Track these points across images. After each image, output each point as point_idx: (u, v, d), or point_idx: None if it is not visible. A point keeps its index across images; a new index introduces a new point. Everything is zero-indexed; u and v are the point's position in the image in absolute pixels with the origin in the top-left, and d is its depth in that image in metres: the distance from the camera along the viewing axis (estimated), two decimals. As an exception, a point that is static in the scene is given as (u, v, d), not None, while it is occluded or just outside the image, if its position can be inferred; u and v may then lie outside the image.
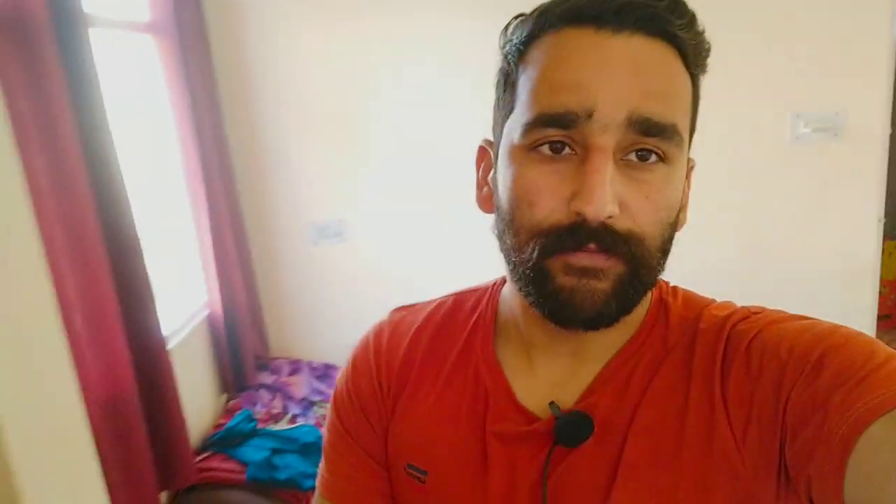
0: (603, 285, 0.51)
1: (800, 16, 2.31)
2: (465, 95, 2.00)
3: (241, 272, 2.32)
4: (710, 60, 0.55)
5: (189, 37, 2.06)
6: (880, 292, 2.60)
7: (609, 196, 0.49)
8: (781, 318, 0.54)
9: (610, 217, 0.49)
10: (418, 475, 0.61)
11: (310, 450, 2.00)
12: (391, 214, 2.51)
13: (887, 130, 2.39)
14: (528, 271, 0.53)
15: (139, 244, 1.61)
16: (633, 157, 0.50)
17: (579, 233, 0.50)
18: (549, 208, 0.50)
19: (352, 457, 0.67)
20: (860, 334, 0.50)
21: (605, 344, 0.58)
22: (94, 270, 1.43)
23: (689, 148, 0.56)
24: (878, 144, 2.40)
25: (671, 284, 0.62)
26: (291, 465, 1.92)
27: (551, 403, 0.56)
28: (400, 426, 0.64)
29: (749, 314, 0.56)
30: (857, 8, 2.29)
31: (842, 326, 0.51)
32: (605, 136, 0.49)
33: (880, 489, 0.40)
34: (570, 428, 0.55)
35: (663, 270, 0.55)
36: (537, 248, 0.51)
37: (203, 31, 2.22)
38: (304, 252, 2.54)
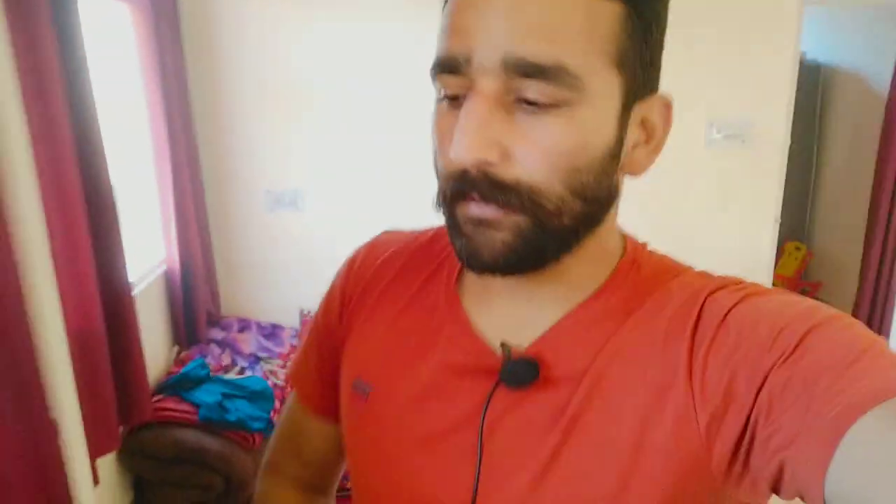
0: (501, 235, 0.49)
1: (715, 34, 2.61)
2: (422, 67, 2.18)
3: (199, 233, 2.47)
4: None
5: (162, 8, 2.20)
6: (774, 285, 2.94)
7: (477, 141, 0.47)
8: (761, 292, 0.52)
9: (489, 164, 0.48)
10: (363, 389, 0.62)
11: (258, 397, 2.17)
12: (345, 185, 2.70)
13: (787, 139, 2.72)
14: (445, 217, 0.53)
15: (113, 193, 1.76)
16: (523, 101, 0.48)
17: (463, 181, 0.49)
18: (447, 156, 0.50)
19: (312, 344, 0.71)
20: (842, 315, 0.48)
21: (562, 295, 0.56)
22: (72, 212, 1.58)
23: (647, 84, 0.52)
24: (778, 151, 2.72)
25: (649, 247, 0.60)
26: (241, 409, 2.08)
27: (502, 343, 0.55)
28: (355, 341, 0.65)
29: (727, 283, 0.54)
30: (767, 29, 2.61)
31: (823, 305, 0.49)
32: (484, 80, 0.47)
33: (871, 481, 0.39)
34: (515, 369, 0.54)
35: (596, 217, 0.53)
36: (445, 195, 0.52)
37: (175, 4, 2.36)
38: (259, 218, 2.70)
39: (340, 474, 0.77)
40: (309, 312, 2.78)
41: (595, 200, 0.51)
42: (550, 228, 0.50)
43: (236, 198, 2.69)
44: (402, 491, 0.58)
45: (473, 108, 0.47)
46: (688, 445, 0.49)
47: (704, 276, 0.56)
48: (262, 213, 2.70)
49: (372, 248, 0.70)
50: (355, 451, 0.63)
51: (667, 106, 0.55)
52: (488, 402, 0.55)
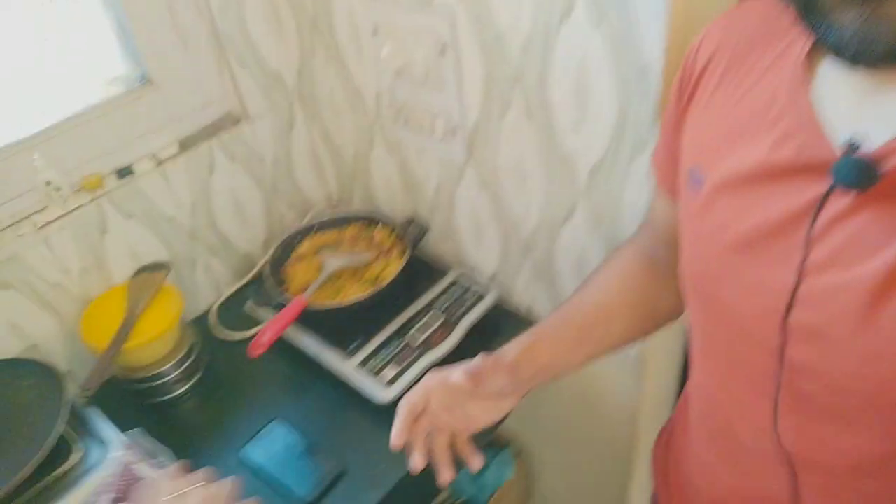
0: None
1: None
2: None
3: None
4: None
5: None
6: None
7: None
8: None
9: None
10: (696, 179, 0.56)
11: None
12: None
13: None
14: None
15: None
16: None
17: None
18: None
19: (665, 125, 0.66)
20: None
21: None
22: None
23: None
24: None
25: None
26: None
27: (847, 142, 0.46)
28: (692, 128, 0.59)
29: None
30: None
31: None
32: None
33: None
34: (855, 169, 0.45)
35: None
36: None
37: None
38: None
39: None
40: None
41: None
42: None
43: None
44: (722, 288, 0.55)
45: None
46: None
47: None
48: None
49: (718, 26, 0.60)
50: (683, 243, 0.60)
51: None
52: (822, 203, 0.47)
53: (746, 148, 0.52)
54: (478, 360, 0.69)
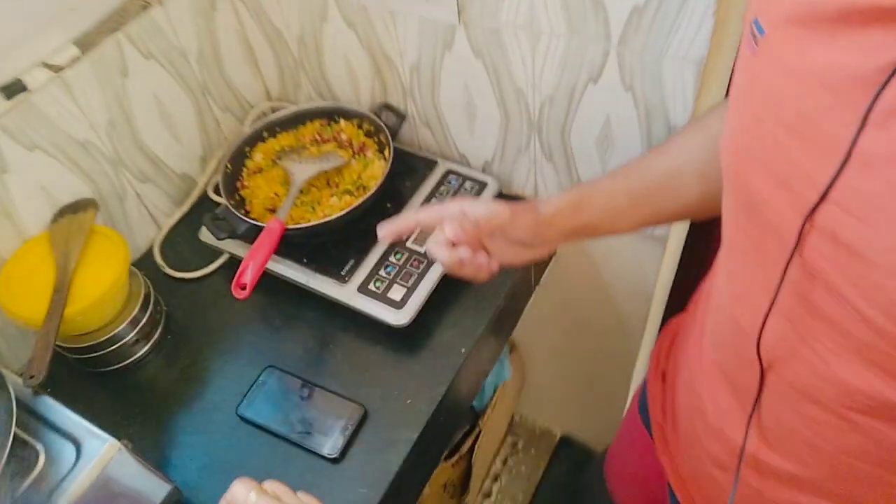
0: None
1: None
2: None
3: None
4: None
5: None
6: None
7: None
8: None
9: None
10: (756, 33, 0.46)
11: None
12: None
13: None
14: None
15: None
16: None
17: None
18: None
19: None
20: None
21: None
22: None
23: None
24: None
25: None
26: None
27: None
28: None
29: None
30: None
31: None
32: None
33: None
34: None
35: None
36: None
37: None
38: None
39: None
40: None
41: None
42: None
43: None
44: (754, 172, 0.45)
45: None
46: None
47: None
48: None
49: None
50: (729, 113, 0.49)
51: None
52: (884, 85, 0.35)
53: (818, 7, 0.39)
54: (502, 209, 0.66)
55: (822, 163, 0.39)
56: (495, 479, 1.63)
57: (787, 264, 0.44)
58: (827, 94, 0.39)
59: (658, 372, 0.83)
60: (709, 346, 0.62)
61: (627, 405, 1.11)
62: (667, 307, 1.11)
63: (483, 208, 0.66)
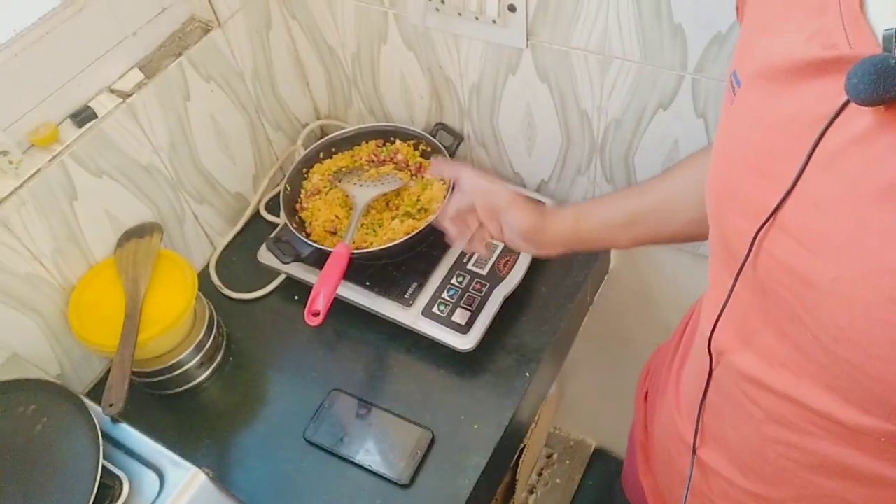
0: None
1: None
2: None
3: None
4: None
5: None
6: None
7: None
8: None
9: None
10: (734, 85, 0.49)
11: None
12: None
13: None
14: None
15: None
16: None
17: None
18: None
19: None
20: None
21: None
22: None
23: None
24: None
25: None
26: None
27: (885, 32, 0.36)
28: (745, 28, 0.51)
29: None
30: None
31: None
32: None
33: None
34: (878, 72, 0.34)
35: None
36: None
37: None
38: None
39: None
40: None
41: None
42: None
43: None
44: (723, 191, 0.50)
45: None
46: None
47: None
48: None
49: None
50: (713, 157, 0.53)
51: None
52: (826, 129, 0.39)
53: (783, 37, 0.44)
54: (503, 193, 0.72)
55: (773, 194, 0.43)
56: (531, 491, 1.63)
57: (735, 281, 0.49)
58: (783, 137, 0.43)
59: (642, 391, 0.84)
60: (680, 366, 0.69)
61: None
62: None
63: (485, 184, 0.74)
